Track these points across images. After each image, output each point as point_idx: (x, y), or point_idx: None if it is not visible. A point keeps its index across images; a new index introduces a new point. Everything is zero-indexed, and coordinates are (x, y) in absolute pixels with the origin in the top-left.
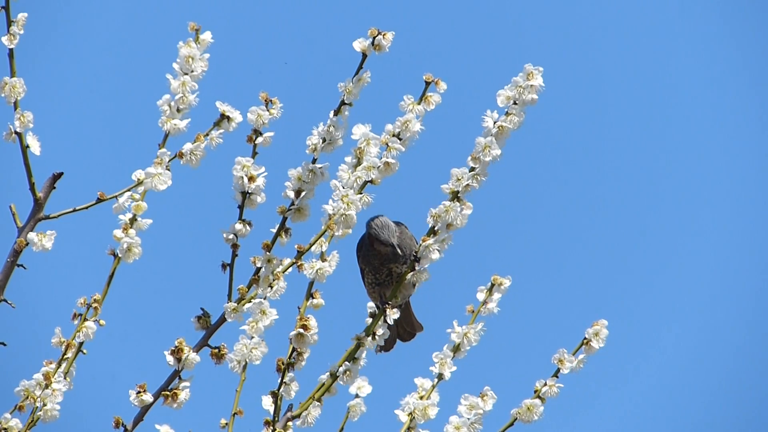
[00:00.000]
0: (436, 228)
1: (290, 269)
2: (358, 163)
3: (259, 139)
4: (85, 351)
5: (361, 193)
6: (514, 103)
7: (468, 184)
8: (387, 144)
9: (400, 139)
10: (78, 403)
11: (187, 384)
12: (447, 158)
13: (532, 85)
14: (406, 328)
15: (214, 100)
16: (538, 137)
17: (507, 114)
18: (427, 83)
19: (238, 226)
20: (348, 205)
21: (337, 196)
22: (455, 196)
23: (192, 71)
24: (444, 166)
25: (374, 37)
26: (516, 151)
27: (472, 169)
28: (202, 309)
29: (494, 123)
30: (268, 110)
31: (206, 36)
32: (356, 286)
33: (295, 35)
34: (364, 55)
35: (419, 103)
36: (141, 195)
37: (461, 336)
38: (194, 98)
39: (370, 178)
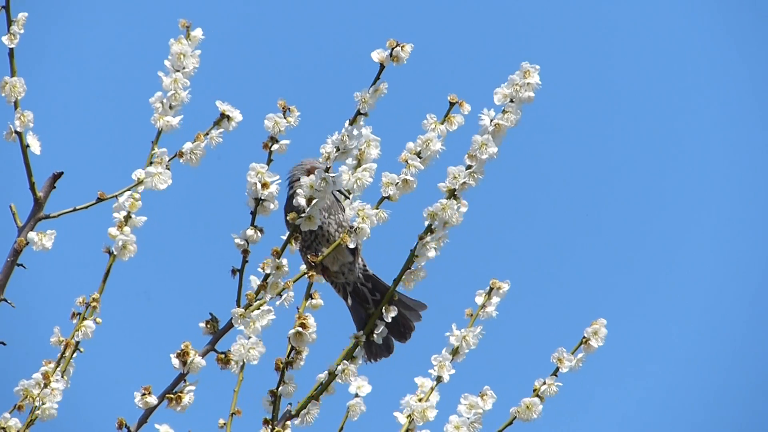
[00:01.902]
0: (432, 226)
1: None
2: (358, 165)
3: (275, 147)
4: (82, 349)
5: (377, 209)
6: (511, 101)
7: (465, 182)
8: (407, 161)
9: (420, 158)
10: (77, 402)
11: (192, 387)
12: (444, 156)
13: (528, 83)
14: (399, 329)
15: (220, 100)
16: (535, 135)
17: (504, 112)
18: (452, 104)
19: (250, 232)
20: (363, 219)
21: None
22: (452, 194)
23: (183, 68)
24: (441, 164)
25: (393, 48)
26: (513, 149)
27: (468, 167)
28: (211, 314)
29: (491, 121)
30: (285, 118)
31: (197, 33)
32: None
33: (304, 41)
34: (382, 66)
35: (442, 123)
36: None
37: (460, 339)
38: (186, 95)
39: (387, 194)
